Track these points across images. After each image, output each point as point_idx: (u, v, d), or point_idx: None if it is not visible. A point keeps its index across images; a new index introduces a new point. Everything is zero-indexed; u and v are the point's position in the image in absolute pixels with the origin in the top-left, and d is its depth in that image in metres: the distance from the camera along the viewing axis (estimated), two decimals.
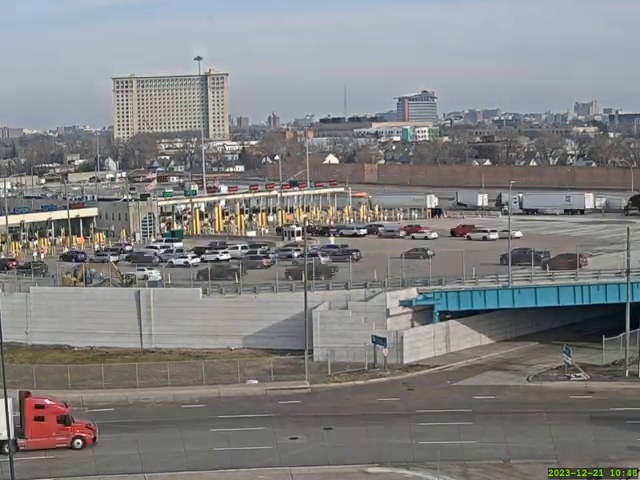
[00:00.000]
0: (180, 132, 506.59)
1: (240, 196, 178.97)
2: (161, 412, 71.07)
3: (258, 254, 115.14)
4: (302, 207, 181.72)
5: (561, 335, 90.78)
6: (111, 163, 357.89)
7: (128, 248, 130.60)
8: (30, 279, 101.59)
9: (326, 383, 77.93)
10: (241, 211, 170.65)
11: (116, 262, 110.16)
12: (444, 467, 56.42)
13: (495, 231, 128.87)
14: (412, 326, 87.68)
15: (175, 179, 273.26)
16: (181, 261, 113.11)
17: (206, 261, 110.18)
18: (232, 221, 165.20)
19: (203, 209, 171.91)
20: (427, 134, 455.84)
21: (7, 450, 54.95)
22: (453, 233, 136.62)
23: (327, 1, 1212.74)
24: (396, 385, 77.28)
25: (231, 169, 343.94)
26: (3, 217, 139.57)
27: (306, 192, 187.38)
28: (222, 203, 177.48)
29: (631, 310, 79.82)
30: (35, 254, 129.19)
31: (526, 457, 58.85)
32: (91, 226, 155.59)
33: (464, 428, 63.23)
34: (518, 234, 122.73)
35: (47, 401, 64.97)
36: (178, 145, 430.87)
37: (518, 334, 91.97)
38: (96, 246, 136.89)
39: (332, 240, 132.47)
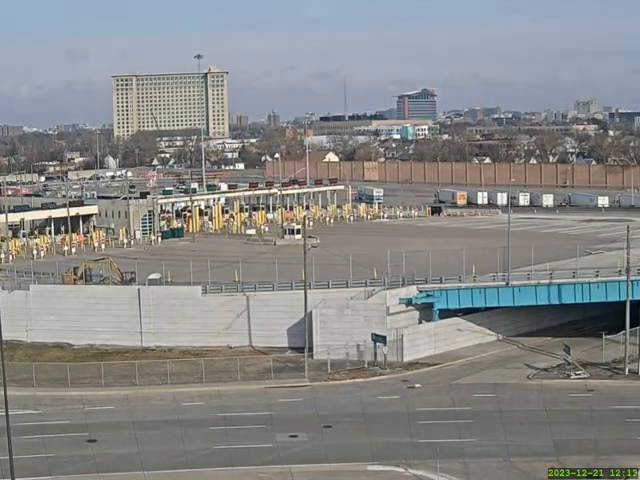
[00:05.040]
0: (180, 130, 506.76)
1: (240, 194, 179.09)
2: (161, 410, 71.01)
3: None
4: (302, 205, 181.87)
5: (561, 333, 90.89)
6: (111, 161, 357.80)
7: None
8: (30, 277, 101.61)
9: (326, 381, 77.86)
10: (241, 209, 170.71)
11: None
12: (444, 465, 56.43)
13: None
14: (413, 324, 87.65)
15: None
16: None
17: None
18: (232, 219, 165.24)
19: (203, 207, 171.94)
20: (427, 132, 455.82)
21: None
22: None
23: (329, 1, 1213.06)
24: (396, 383, 77.24)
25: (231, 167, 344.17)
26: (2, 215, 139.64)
27: (306, 190, 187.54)
28: (222, 201, 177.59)
29: (631, 308, 79.80)
30: (35, 252, 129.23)
31: (526, 455, 58.84)
32: (91, 224, 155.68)
33: (464, 426, 63.26)
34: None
35: None
36: (178, 143, 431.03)
37: (518, 332, 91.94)
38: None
39: None
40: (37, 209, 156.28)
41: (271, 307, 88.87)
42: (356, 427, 63.87)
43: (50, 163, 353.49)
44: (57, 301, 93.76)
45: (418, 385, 76.34)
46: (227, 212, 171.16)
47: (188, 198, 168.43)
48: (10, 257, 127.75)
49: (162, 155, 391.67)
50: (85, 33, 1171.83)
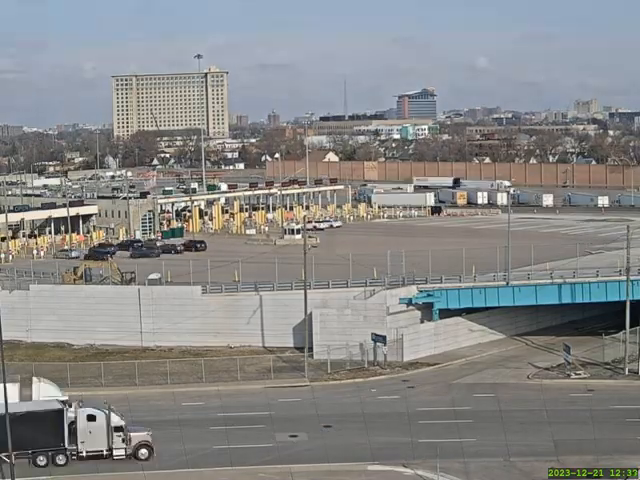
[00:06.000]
0: (180, 130, 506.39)
1: (240, 194, 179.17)
2: (161, 410, 70.96)
3: None
4: (302, 205, 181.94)
5: (561, 332, 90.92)
6: (111, 161, 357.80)
7: None
8: (30, 277, 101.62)
9: (326, 381, 77.89)
10: (240, 209, 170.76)
11: None
12: (444, 465, 56.39)
13: None
14: (414, 323, 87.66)
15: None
16: None
17: None
18: (231, 219, 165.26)
19: (203, 207, 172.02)
20: (427, 132, 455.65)
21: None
22: None
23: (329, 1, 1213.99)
24: (396, 383, 77.23)
25: (231, 167, 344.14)
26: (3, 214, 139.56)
27: (306, 190, 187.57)
28: (222, 201, 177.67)
29: (631, 308, 79.81)
30: (35, 252, 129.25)
31: (526, 455, 58.81)
32: (91, 224, 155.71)
33: (464, 426, 63.25)
34: None
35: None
36: (178, 143, 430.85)
37: (518, 331, 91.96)
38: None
39: None
40: (37, 209, 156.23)
41: (271, 307, 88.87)
42: (356, 427, 63.86)
43: (50, 163, 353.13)
44: (57, 301, 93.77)
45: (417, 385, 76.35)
46: (227, 212, 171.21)
47: (188, 198, 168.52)
48: (10, 257, 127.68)
49: (162, 155, 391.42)
50: (86, 32, 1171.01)
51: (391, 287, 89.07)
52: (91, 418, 59.74)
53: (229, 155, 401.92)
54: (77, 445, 59.21)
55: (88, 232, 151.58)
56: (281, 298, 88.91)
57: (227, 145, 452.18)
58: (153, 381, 78.25)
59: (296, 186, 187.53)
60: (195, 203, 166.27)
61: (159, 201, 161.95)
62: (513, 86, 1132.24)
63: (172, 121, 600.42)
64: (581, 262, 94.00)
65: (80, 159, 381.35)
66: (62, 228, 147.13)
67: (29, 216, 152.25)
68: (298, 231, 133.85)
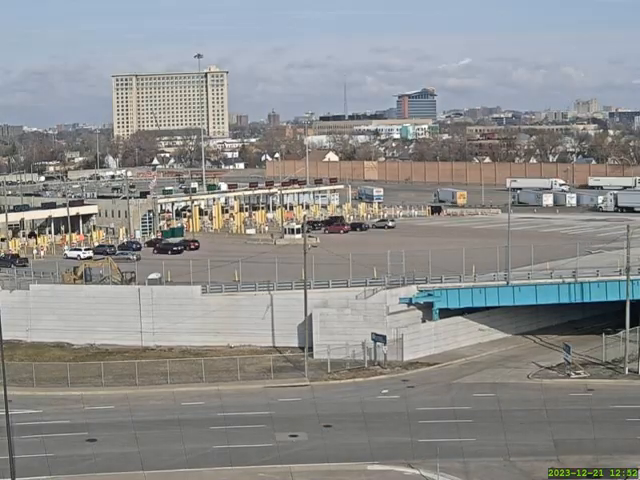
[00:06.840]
0: (180, 130, 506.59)
1: (240, 193, 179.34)
2: (161, 410, 71.01)
3: None
4: (302, 204, 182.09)
5: (561, 332, 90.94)
6: (111, 161, 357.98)
7: None
8: (30, 277, 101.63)
9: (326, 380, 77.89)
10: (240, 208, 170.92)
11: None
12: (444, 465, 56.39)
13: None
14: (414, 323, 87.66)
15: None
16: None
17: None
18: (231, 218, 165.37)
19: (203, 206, 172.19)
20: (427, 131, 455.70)
21: None
22: None
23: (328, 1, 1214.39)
24: (396, 382, 77.25)
25: (231, 167, 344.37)
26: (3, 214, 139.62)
27: (306, 189, 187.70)
28: (222, 200, 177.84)
29: (631, 307, 79.82)
30: (35, 252, 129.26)
31: (526, 455, 58.80)
32: (91, 224, 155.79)
33: (464, 426, 63.22)
34: None
35: None
36: (178, 143, 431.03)
37: (518, 331, 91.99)
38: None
39: None
40: (37, 209, 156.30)
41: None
42: (356, 427, 63.83)
43: (50, 163, 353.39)
44: (57, 301, 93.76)
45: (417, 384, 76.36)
46: (227, 212, 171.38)
47: (188, 198, 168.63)
48: None
49: (162, 155, 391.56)
50: (85, 31, 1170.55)
51: (391, 287, 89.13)
52: None
53: (229, 155, 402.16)
54: None
55: (88, 232, 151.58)
56: (284, 298, 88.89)
57: (227, 145, 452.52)
58: (153, 381, 78.25)
59: (296, 186, 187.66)
60: (195, 203, 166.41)
61: (159, 201, 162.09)
62: (513, 86, 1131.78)
63: (172, 121, 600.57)
64: (581, 262, 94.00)
65: (80, 159, 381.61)
66: (62, 228, 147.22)
67: (29, 216, 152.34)
68: (298, 231, 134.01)
